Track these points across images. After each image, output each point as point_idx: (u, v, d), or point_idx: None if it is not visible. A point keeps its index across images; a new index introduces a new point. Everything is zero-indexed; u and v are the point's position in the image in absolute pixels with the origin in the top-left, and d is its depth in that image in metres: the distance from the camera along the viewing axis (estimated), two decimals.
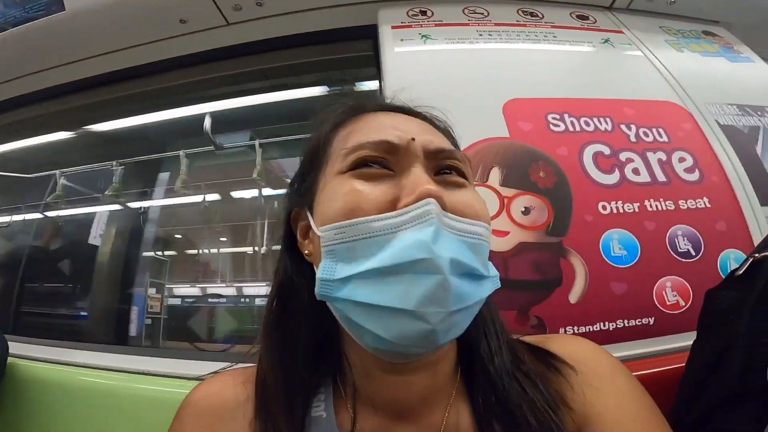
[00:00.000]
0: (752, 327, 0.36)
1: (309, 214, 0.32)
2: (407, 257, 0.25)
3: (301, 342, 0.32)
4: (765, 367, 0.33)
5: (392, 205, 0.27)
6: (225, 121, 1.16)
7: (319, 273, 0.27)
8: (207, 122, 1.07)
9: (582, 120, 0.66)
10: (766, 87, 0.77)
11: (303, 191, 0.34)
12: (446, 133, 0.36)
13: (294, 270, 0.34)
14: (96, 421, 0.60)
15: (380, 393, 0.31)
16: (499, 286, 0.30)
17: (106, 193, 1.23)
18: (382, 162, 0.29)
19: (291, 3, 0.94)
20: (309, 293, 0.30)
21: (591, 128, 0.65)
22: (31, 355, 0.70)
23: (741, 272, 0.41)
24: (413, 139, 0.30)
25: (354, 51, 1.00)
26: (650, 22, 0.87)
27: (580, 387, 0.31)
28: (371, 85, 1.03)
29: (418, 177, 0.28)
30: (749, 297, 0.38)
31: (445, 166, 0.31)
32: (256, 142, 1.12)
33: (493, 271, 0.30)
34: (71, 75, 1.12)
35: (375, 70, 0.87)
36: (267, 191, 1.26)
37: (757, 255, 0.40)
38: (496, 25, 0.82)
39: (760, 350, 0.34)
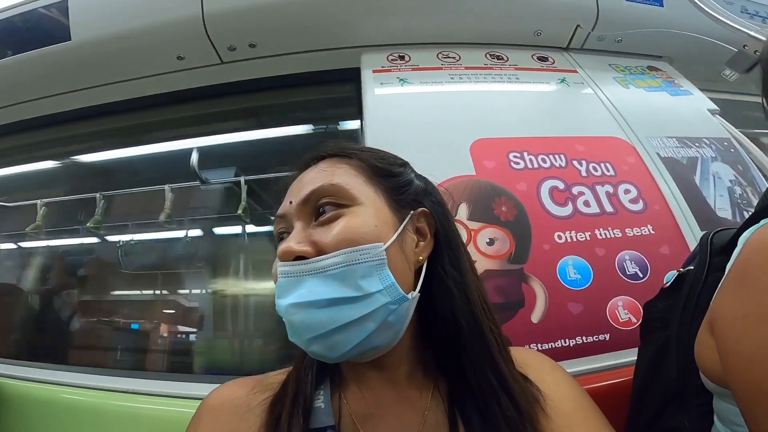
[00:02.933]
0: (680, 331, 0.41)
1: None
2: (278, 303, 0.32)
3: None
4: (697, 371, 0.37)
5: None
6: (212, 157, 1.16)
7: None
8: (194, 157, 1.06)
9: (539, 157, 0.71)
10: (704, 119, 0.83)
11: None
12: (350, 156, 0.38)
13: None
14: None
15: (363, 383, 0.35)
16: (399, 296, 0.31)
17: (87, 225, 1.16)
18: (286, 230, 0.35)
19: (281, 46, 0.99)
20: None
21: (547, 165, 0.70)
22: (13, 374, 0.72)
23: (669, 284, 0.46)
24: (291, 203, 0.35)
25: (338, 92, 1.04)
26: (601, 60, 0.93)
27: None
28: (353, 124, 1.07)
29: (287, 239, 0.33)
30: (677, 306, 0.42)
31: (320, 206, 0.34)
32: (242, 179, 1.09)
33: (377, 286, 0.31)
34: (66, 105, 1.15)
35: (357, 111, 0.91)
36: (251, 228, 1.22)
37: (681, 269, 0.45)
38: (466, 68, 0.87)
39: (690, 355, 0.38)
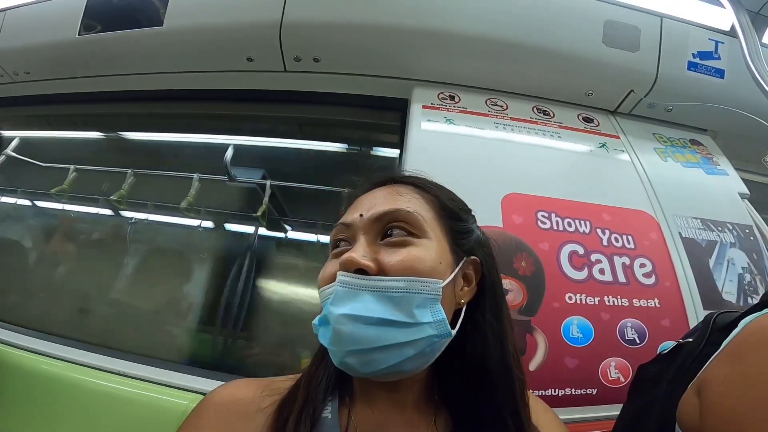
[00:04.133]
0: (668, 392, 0.44)
1: None
2: (329, 313, 0.33)
3: (320, 361, 0.38)
4: (674, 424, 0.42)
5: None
6: (245, 157, 1.18)
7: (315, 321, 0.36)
8: (229, 153, 1.08)
9: (566, 220, 0.75)
10: (732, 202, 0.84)
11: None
12: (426, 189, 0.40)
13: None
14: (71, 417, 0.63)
15: (372, 401, 0.37)
16: (445, 331, 0.33)
17: (111, 197, 1.18)
18: (346, 239, 0.37)
19: (342, 65, 1.04)
20: None
21: (572, 229, 0.75)
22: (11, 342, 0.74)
23: (666, 351, 0.50)
24: (361, 216, 0.36)
25: (383, 119, 1.09)
26: (646, 128, 0.94)
27: None
28: (390, 152, 1.12)
29: (352, 250, 0.35)
30: (670, 369, 0.47)
31: (390, 228, 0.35)
32: (268, 182, 1.10)
33: (428, 318, 0.33)
34: (140, 84, 1.22)
35: (397, 139, 0.97)
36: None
37: (681, 340, 0.49)
38: (512, 119, 0.91)
39: (673, 411, 0.42)
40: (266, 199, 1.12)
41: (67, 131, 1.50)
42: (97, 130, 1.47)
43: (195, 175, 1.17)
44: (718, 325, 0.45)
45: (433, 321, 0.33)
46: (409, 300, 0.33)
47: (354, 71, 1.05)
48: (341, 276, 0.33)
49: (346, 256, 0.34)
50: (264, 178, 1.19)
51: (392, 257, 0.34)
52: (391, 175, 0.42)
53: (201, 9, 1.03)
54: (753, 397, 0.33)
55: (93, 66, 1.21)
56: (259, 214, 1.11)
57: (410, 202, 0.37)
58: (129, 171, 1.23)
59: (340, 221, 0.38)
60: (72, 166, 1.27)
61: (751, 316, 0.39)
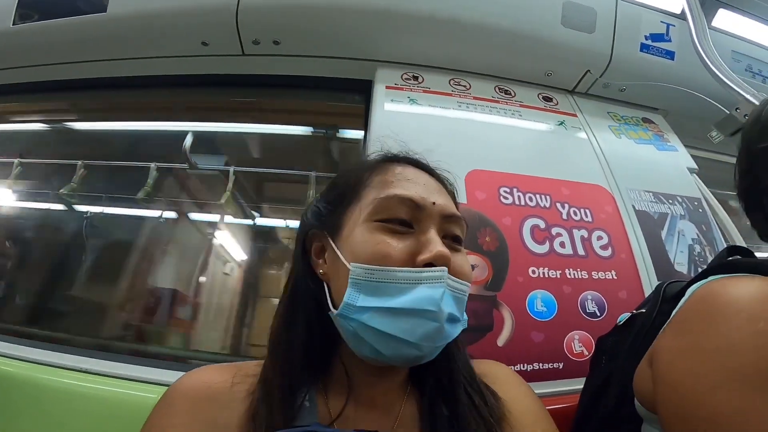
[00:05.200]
0: (625, 365, 0.44)
1: (331, 241, 0.37)
2: (421, 306, 0.32)
3: (301, 345, 0.36)
4: (633, 396, 0.42)
5: (411, 258, 0.33)
6: (207, 143, 1.14)
7: (346, 298, 0.33)
8: (188, 140, 1.03)
9: (527, 195, 0.75)
10: (681, 176, 0.88)
11: (326, 218, 0.38)
12: (452, 195, 0.42)
13: (306, 284, 0.38)
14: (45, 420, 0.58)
15: (358, 387, 0.36)
16: (467, 327, 0.37)
17: (61, 191, 1.10)
18: (405, 220, 0.35)
19: (303, 47, 0.99)
20: (316, 304, 0.36)
21: (533, 203, 0.75)
22: None
23: (622, 323, 0.51)
24: (434, 203, 0.36)
25: (347, 101, 1.05)
26: (601, 107, 0.96)
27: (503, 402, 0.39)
28: (354, 134, 1.09)
29: (435, 241, 0.34)
30: (626, 341, 0.47)
31: (451, 231, 0.37)
32: (231, 169, 1.06)
33: (465, 316, 0.37)
34: (78, 73, 1.13)
35: (361, 121, 0.94)
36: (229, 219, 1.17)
37: (635, 311, 0.50)
38: (475, 98, 0.90)
39: (630, 383, 0.42)
40: (230, 185, 1.06)
41: (10, 123, 1.36)
42: (44, 122, 1.35)
43: (152, 164, 1.11)
44: (668, 295, 0.45)
45: (464, 320, 0.36)
46: (463, 302, 0.36)
47: (316, 53, 1.00)
48: (442, 272, 0.33)
49: (442, 250, 0.33)
50: (227, 164, 1.14)
51: (462, 262, 0.36)
52: (427, 164, 0.42)
53: None
54: (699, 367, 0.33)
55: (33, 56, 1.10)
56: (223, 201, 1.06)
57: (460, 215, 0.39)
58: (79, 163, 1.14)
59: (405, 194, 0.36)
60: (16, 160, 1.18)
61: (695, 284, 0.40)
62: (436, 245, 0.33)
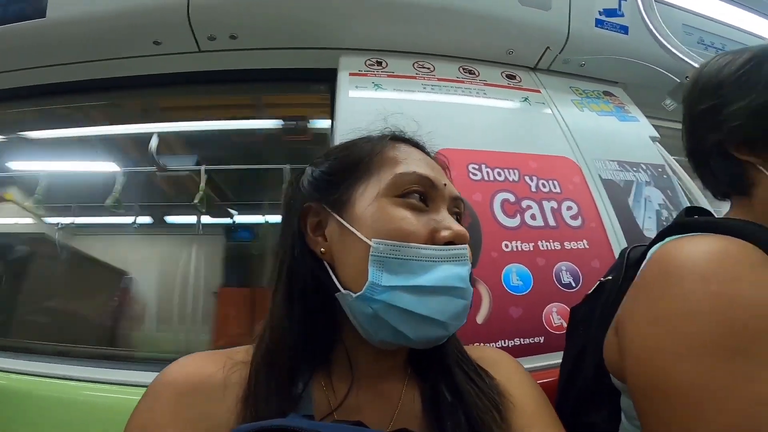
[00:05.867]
0: (597, 334, 0.44)
1: (337, 216, 0.34)
2: (449, 283, 0.31)
3: (301, 332, 0.34)
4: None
5: (431, 235, 0.33)
6: (174, 143, 1.10)
7: (371, 276, 0.31)
8: (153, 142, 1.00)
9: (495, 171, 0.75)
10: (644, 145, 0.90)
11: (327, 191, 0.36)
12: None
13: (305, 264, 0.35)
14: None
15: (358, 373, 0.35)
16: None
17: (26, 203, 1.07)
18: (423, 196, 0.34)
19: (261, 40, 0.96)
20: (315, 286, 0.34)
21: (502, 178, 0.74)
22: None
23: (591, 291, 0.50)
24: (445, 185, 0.36)
25: (314, 91, 1.03)
26: (563, 82, 0.97)
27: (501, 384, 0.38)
28: (324, 123, 1.07)
29: (450, 220, 0.34)
30: (597, 309, 0.46)
31: (456, 212, 0.37)
32: (202, 168, 1.03)
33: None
34: (31, 80, 1.06)
35: (329, 110, 0.91)
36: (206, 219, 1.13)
37: (602, 279, 0.49)
38: (439, 80, 0.89)
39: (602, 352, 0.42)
40: (202, 184, 1.03)
41: None
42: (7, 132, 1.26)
43: (118, 170, 1.07)
44: (632, 260, 0.45)
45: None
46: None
47: (276, 45, 0.97)
48: (465, 250, 0.33)
49: (459, 229, 0.33)
50: (198, 164, 1.10)
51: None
52: (430, 151, 0.42)
53: None
54: (660, 337, 0.32)
55: None
56: (196, 201, 1.02)
57: None
58: (42, 173, 1.10)
59: (423, 173, 0.35)
60: None
61: (654, 247, 0.39)
62: (453, 224, 0.33)
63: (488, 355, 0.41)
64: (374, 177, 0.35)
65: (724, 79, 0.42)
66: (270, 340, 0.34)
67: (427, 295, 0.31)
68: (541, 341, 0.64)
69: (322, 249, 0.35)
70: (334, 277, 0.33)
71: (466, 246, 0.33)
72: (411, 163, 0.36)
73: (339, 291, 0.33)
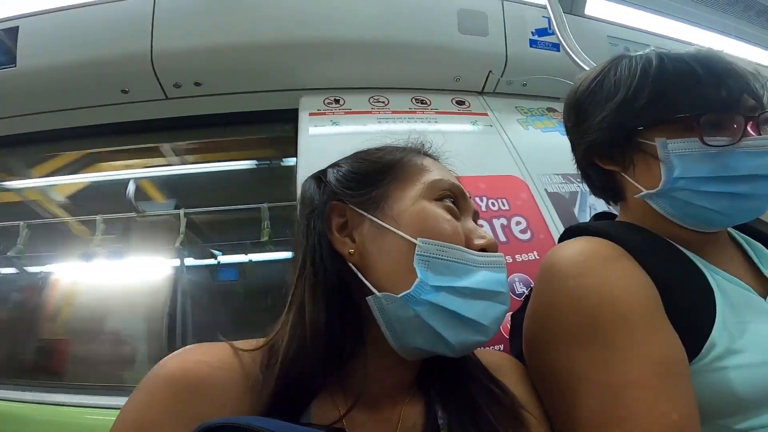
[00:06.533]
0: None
1: (369, 216, 0.34)
2: (494, 288, 0.31)
3: (325, 338, 0.31)
4: None
5: (467, 241, 0.33)
6: (152, 189, 1.14)
7: (421, 276, 0.30)
8: (131, 187, 1.02)
9: None
10: None
11: (357, 190, 0.35)
12: None
13: (332, 265, 0.33)
14: None
15: (369, 385, 0.32)
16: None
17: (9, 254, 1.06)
18: (455, 203, 0.35)
19: (225, 86, 1.02)
20: (341, 289, 0.32)
21: None
22: None
23: (524, 297, 0.54)
24: (470, 197, 0.38)
25: (279, 131, 1.08)
26: (509, 103, 1.04)
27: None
28: (292, 161, 1.12)
29: (481, 228, 0.35)
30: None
31: (477, 225, 0.38)
32: (181, 211, 1.05)
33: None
34: (9, 129, 1.09)
35: (295, 149, 0.96)
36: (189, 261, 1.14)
37: (532, 285, 0.54)
38: (393, 112, 0.95)
39: None
40: (182, 227, 1.05)
41: None
42: None
43: (98, 217, 1.07)
44: None
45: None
46: None
47: (239, 90, 1.03)
48: (503, 258, 0.34)
49: (492, 238, 0.34)
50: (177, 207, 1.12)
51: None
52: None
53: (58, 46, 0.95)
54: (536, 327, 0.38)
55: None
56: (177, 244, 1.04)
57: None
58: (21, 223, 1.09)
59: (453, 182, 0.37)
60: None
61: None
62: (485, 232, 0.34)
63: (494, 360, 0.40)
64: (411, 180, 0.35)
65: (579, 97, 0.48)
66: (292, 345, 0.31)
67: (473, 298, 0.30)
68: (502, 349, 0.68)
69: (350, 250, 0.33)
70: (364, 280, 0.31)
71: (502, 254, 0.34)
72: (439, 173, 0.37)
73: (370, 294, 0.31)
